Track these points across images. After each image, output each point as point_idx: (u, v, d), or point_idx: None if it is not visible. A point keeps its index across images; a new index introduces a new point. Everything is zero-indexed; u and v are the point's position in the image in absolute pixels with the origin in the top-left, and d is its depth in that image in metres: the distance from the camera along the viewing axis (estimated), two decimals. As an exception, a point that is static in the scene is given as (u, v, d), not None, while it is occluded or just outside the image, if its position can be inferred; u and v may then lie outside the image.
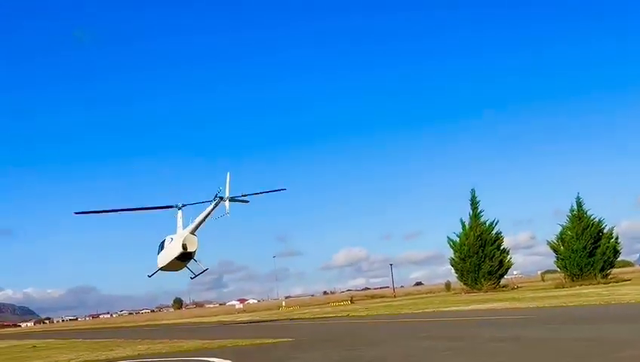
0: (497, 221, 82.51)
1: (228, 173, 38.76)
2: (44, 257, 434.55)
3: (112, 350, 29.41)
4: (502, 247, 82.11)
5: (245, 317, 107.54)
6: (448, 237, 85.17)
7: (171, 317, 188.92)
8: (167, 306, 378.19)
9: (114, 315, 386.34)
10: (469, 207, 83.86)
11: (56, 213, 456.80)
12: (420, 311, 44.00)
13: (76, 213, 44.43)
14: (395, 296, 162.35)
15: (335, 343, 21.55)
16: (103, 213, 43.86)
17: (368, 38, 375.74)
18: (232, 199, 39.56)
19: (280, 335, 29.35)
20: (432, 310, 43.66)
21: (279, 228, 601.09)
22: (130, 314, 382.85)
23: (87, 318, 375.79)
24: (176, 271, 42.17)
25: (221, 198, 39.10)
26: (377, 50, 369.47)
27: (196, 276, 41.22)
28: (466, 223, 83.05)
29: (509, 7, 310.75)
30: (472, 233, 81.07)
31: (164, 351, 24.72)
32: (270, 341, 25.08)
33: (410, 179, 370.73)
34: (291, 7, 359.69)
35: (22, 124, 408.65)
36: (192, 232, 40.02)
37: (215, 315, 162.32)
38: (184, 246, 39.16)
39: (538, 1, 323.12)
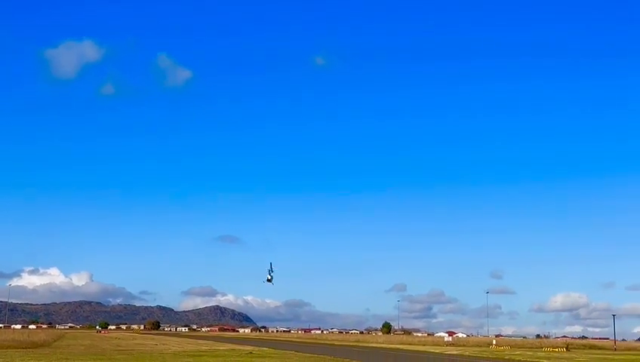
0: None
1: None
2: (265, 268, 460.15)
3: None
4: None
5: (454, 351, 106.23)
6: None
7: (379, 340, 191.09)
8: (376, 329, 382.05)
9: (324, 332, 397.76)
10: None
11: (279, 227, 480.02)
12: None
13: (265, 282, 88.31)
14: (615, 349, 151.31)
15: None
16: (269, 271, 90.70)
17: None
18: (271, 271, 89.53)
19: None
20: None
21: (493, 264, 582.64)
22: (340, 332, 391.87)
23: (300, 331, 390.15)
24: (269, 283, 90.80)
25: (271, 264, 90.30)
26: None
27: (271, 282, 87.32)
28: None
29: None
30: None
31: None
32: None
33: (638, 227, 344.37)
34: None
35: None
36: (269, 272, 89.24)
37: (423, 344, 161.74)
38: (267, 278, 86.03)
39: None
